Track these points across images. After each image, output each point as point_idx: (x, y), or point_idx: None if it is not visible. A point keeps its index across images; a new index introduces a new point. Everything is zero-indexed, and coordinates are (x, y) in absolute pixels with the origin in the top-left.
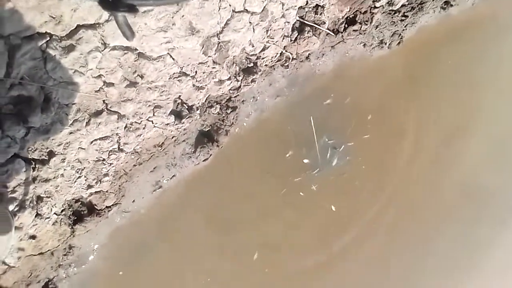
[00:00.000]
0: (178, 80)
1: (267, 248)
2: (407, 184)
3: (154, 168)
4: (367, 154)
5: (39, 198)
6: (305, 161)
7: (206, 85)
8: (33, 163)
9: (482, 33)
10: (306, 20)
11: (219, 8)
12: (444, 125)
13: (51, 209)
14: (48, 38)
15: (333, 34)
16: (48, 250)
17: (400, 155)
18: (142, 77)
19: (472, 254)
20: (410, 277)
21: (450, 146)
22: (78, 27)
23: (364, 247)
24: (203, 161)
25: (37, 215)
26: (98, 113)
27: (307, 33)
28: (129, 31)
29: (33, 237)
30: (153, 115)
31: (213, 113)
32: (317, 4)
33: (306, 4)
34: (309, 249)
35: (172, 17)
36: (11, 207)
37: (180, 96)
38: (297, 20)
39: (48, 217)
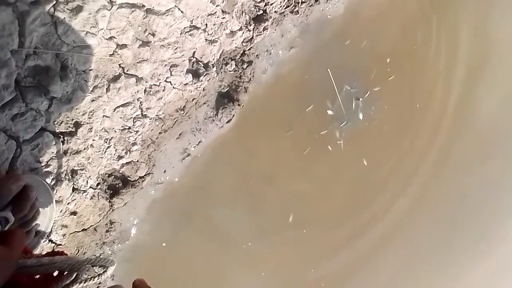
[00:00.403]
0: (190, 35)
1: (301, 210)
2: (443, 126)
3: (179, 134)
4: (394, 99)
5: (73, 171)
6: (329, 112)
7: (218, 38)
8: (62, 136)
9: None
10: None
11: None
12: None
13: (87, 182)
14: (55, 1)
15: None
16: (91, 226)
17: (431, 95)
18: (153, 35)
19: None
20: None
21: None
22: None
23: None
24: (227, 122)
25: (74, 189)
26: (116, 78)
27: None
28: None
29: (74, 213)
30: (171, 74)
31: (229, 71)
32: None
33: None
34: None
35: None
36: (48, 181)
37: (194, 52)
38: None
39: (85, 191)
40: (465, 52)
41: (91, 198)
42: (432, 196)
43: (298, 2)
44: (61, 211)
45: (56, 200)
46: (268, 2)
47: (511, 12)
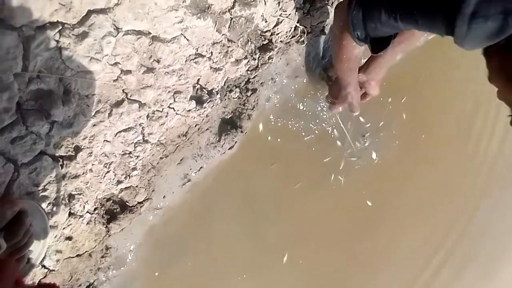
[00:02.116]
0: (195, 62)
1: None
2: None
3: (181, 160)
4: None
5: (71, 196)
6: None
7: (223, 66)
8: (61, 160)
9: None
10: None
11: None
12: None
13: (84, 207)
14: (60, 27)
15: None
16: (86, 252)
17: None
18: (158, 61)
19: None
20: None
21: None
22: (89, 12)
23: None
24: (229, 149)
25: (71, 214)
26: (119, 103)
27: (319, 3)
28: None
29: (69, 238)
30: (174, 101)
31: (233, 98)
32: None
33: None
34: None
35: None
36: (44, 205)
37: (198, 80)
38: None
39: (82, 216)
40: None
41: (87, 223)
42: None
43: (304, 32)
44: (55, 236)
45: (51, 225)
46: (274, 32)
47: None
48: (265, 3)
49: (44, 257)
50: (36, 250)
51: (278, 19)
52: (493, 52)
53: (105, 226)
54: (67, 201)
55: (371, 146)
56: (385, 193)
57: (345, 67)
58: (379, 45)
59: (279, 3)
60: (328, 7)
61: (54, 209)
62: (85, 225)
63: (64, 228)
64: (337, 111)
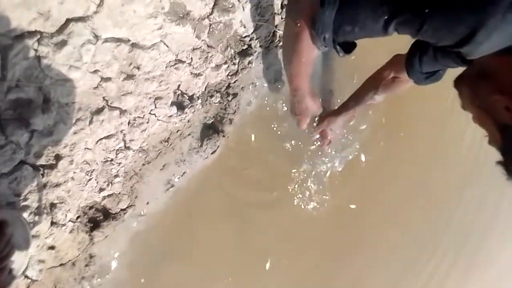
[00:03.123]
0: (175, 68)
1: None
2: None
3: (163, 166)
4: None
5: (53, 205)
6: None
7: (203, 71)
8: (41, 168)
9: None
10: None
11: None
12: None
13: (66, 215)
14: (39, 36)
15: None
16: (69, 261)
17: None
18: (138, 68)
19: None
20: None
21: None
22: (68, 21)
23: None
24: (212, 153)
25: (53, 223)
26: (99, 111)
27: None
28: None
29: (52, 247)
30: (155, 107)
31: (214, 103)
32: None
33: None
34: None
35: (160, 1)
36: (25, 215)
37: (179, 85)
38: None
39: (64, 225)
40: None
41: (70, 232)
42: None
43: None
44: (38, 246)
45: (33, 235)
46: (253, 37)
47: None
48: (243, 9)
49: (26, 267)
50: (18, 260)
51: (257, 24)
52: (463, 83)
53: (88, 234)
54: (49, 210)
55: (352, 149)
56: (368, 196)
57: (303, 73)
58: (346, 49)
59: (257, 8)
60: None
61: (36, 218)
62: (68, 233)
63: (46, 238)
64: (306, 126)
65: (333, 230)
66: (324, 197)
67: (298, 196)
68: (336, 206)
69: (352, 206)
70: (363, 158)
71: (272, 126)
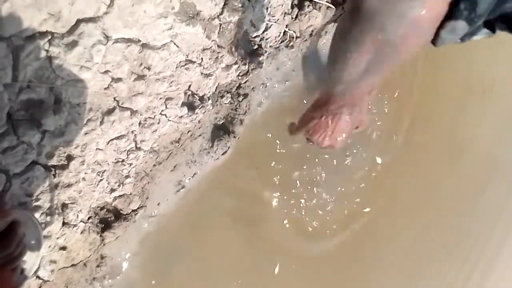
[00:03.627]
0: (186, 69)
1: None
2: None
3: (174, 166)
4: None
5: (64, 205)
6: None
7: (214, 71)
8: (53, 169)
9: None
10: None
11: None
12: None
13: (77, 216)
14: (50, 37)
15: (333, 6)
16: (81, 261)
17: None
18: (149, 68)
19: None
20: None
21: None
22: (78, 21)
23: None
24: (222, 154)
25: (64, 223)
26: (110, 111)
27: (307, 7)
28: None
29: (63, 248)
30: (166, 107)
31: (225, 103)
32: None
33: None
34: None
35: (171, 1)
36: (37, 215)
37: (189, 86)
38: None
39: (76, 225)
40: None
41: (81, 232)
42: None
43: (293, 37)
44: (49, 247)
45: (44, 235)
46: (263, 37)
47: None
48: (253, 9)
49: (38, 268)
50: (30, 261)
51: (267, 24)
52: None
53: (99, 235)
54: (61, 210)
55: (364, 151)
56: (383, 198)
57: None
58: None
59: (267, 8)
60: (316, 11)
61: (48, 219)
62: (79, 234)
63: (58, 238)
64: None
65: (345, 232)
66: (336, 199)
67: (309, 198)
68: (350, 210)
69: (366, 210)
70: (379, 160)
71: (284, 126)
